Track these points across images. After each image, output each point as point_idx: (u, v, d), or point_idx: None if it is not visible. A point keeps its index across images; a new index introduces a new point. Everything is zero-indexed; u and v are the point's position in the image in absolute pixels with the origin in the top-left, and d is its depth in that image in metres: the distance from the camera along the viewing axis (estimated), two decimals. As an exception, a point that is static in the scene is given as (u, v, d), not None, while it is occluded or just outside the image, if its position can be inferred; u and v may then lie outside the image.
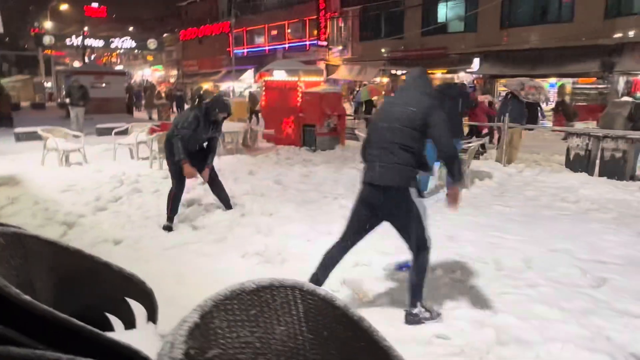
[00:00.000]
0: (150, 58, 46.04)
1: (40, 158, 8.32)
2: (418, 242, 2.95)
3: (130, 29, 44.33)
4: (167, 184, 6.66)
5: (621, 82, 17.83)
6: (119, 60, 51.33)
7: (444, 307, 3.08)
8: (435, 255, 3.97)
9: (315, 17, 26.79)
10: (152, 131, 9.39)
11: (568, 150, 7.81)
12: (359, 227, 3.11)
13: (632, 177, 7.12)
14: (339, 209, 5.49)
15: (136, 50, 42.71)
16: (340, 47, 27.48)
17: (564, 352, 2.49)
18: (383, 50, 24.64)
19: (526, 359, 2.47)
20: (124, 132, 9.93)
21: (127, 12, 49.63)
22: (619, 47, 17.04)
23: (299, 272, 3.68)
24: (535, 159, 9.68)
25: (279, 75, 11.37)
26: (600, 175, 7.24)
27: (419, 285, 2.92)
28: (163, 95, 20.72)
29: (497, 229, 4.79)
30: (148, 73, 46.94)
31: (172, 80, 41.67)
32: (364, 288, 3.45)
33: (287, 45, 30.02)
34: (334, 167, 8.45)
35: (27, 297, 1.18)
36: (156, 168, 7.87)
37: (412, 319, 2.87)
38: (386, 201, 2.91)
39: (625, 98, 15.64)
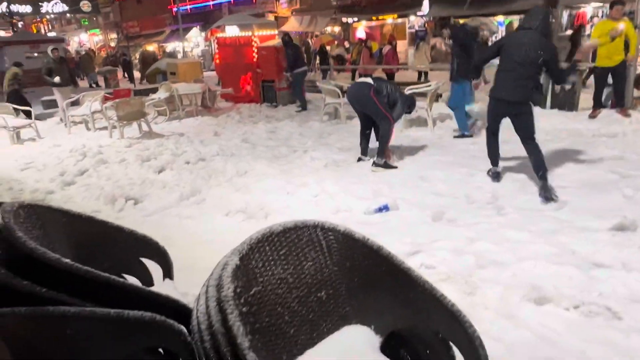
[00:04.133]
0: (85, 22, 42.98)
1: (-11, 138, 7.90)
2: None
3: (60, -10, 40.85)
4: (131, 153, 6.54)
5: (565, 16, 18.36)
6: (50, 27, 47.57)
7: (424, 242, 3.29)
8: (411, 195, 4.21)
9: (259, -33, 25.67)
10: (105, 99, 9.03)
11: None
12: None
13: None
14: (311, 162, 5.61)
15: (68, 15, 39.80)
16: (288, -2, 26.63)
17: (536, 268, 2.77)
18: (332, -2, 24.09)
19: (504, 277, 2.73)
20: (75, 103, 9.47)
21: (53, -28, 45.53)
22: (561, -19, 17.40)
23: (284, 224, 3.82)
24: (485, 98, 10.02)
25: (232, 31, 10.98)
26: (552, 107, 7.64)
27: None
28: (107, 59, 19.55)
29: (463, 165, 5.05)
30: (85, 38, 43.93)
31: (112, 44, 39.30)
32: (348, 232, 3.61)
33: (232, -1, 28.77)
34: (297, 121, 8.47)
35: (68, 261, 1.23)
36: (117, 137, 7.64)
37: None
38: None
39: (569, 32, 16.24)
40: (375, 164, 5.13)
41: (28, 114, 8.71)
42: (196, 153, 6.21)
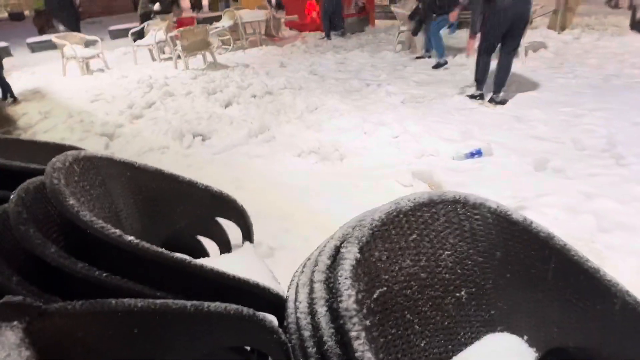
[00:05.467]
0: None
1: (60, 68, 7.96)
2: None
3: None
4: (197, 85, 6.32)
5: None
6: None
7: (529, 197, 2.82)
8: (506, 138, 3.68)
9: None
10: (170, 29, 8.77)
11: (634, 9, 6.92)
12: None
13: None
14: (387, 97, 5.11)
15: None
16: None
17: (679, 236, 2.26)
18: None
19: (638, 245, 2.26)
20: (140, 33, 9.30)
21: None
22: None
23: (361, 167, 3.46)
24: (588, 23, 8.75)
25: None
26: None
27: None
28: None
29: (566, 104, 4.36)
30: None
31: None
32: (435, 179, 3.20)
33: None
34: (368, 51, 7.84)
35: (132, 239, 0.94)
36: (182, 68, 7.44)
37: None
38: None
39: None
40: (494, 101, 4.52)
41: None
42: (262, 86, 5.87)
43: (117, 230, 0.94)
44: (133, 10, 19.69)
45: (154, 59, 8.61)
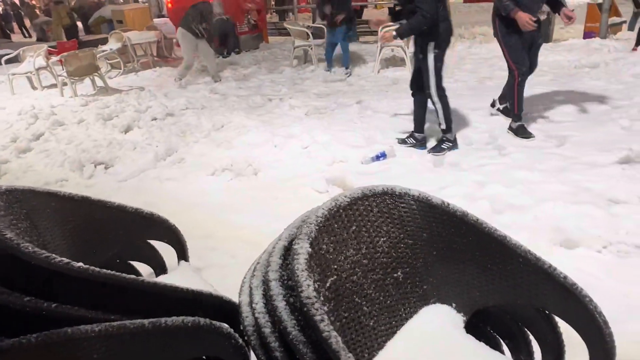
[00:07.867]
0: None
1: None
2: None
3: None
4: (90, 112, 5.96)
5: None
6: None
7: (432, 190, 3.11)
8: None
9: None
10: (49, 53, 8.15)
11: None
12: None
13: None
14: (290, 110, 5.26)
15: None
16: None
17: (556, 210, 2.65)
18: None
19: (526, 221, 2.61)
20: (14, 60, 8.52)
21: None
22: None
23: (276, 179, 3.54)
24: (460, 33, 9.75)
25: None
26: (527, 40, 7.44)
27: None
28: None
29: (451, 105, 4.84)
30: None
31: (44, -8, 35.70)
32: (347, 184, 3.39)
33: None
34: (265, 67, 7.98)
35: (80, 265, 0.94)
36: (69, 95, 6.95)
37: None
38: None
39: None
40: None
41: None
42: (162, 108, 5.70)
43: (64, 259, 0.92)
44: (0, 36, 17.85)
45: (34, 88, 7.93)
